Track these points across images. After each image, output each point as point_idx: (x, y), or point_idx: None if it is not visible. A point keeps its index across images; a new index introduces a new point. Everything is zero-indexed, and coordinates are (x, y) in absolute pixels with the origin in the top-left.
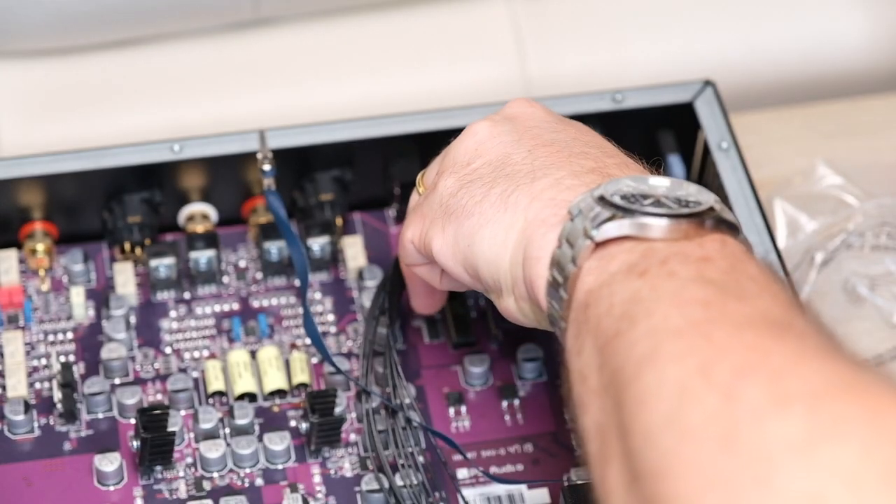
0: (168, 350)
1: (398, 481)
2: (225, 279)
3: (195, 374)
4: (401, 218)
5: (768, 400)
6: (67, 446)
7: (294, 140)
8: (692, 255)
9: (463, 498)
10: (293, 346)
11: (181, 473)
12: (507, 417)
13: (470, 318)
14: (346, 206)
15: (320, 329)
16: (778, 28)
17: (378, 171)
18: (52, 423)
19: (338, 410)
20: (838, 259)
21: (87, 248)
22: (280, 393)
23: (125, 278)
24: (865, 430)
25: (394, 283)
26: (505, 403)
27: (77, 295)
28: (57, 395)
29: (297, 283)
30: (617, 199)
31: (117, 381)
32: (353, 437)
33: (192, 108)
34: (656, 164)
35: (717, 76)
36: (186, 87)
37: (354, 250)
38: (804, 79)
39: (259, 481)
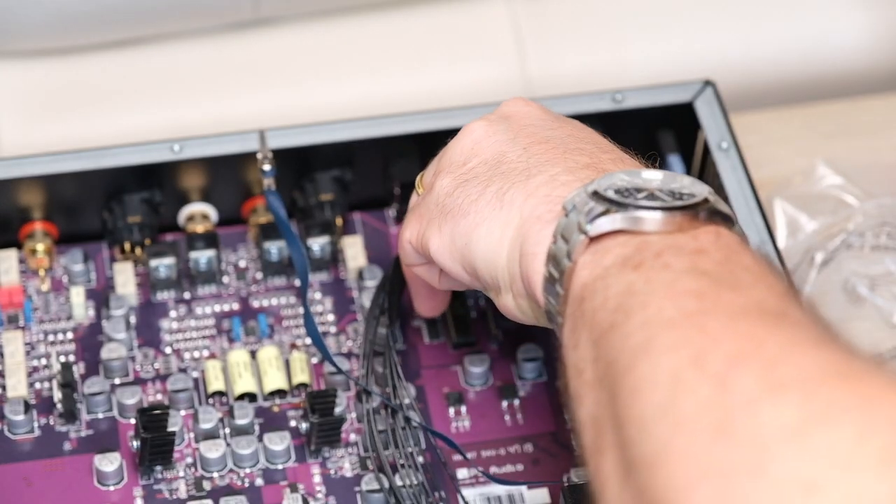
0: (168, 350)
1: (398, 481)
2: (225, 279)
3: (195, 374)
4: (401, 218)
5: (762, 388)
6: (67, 446)
7: (294, 140)
8: (686, 248)
9: (463, 498)
10: (293, 346)
11: (181, 473)
12: (507, 417)
13: (470, 318)
14: (346, 206)
15: (320, 329)
16: (778, 28)
17: (378, 171)
18: (52, 423)
19: (338, 410)
20: (838, 259)
21: (87, 248)
22: (280, 393)
23: (125, 278)
24: (860, 416)
25: (393, 283)
26: (505, 403)
27: (77, 295)
28: (57, 395)
29: (297, 283)
30: (611, 194)
31: (117, 381)
32: (353, 437)
33: (192, 108)
34: (652, 159)
35: (717, 76)
36: (186, 87)
37: (354, 250)
38: (804, 79)
39: (259, 481)
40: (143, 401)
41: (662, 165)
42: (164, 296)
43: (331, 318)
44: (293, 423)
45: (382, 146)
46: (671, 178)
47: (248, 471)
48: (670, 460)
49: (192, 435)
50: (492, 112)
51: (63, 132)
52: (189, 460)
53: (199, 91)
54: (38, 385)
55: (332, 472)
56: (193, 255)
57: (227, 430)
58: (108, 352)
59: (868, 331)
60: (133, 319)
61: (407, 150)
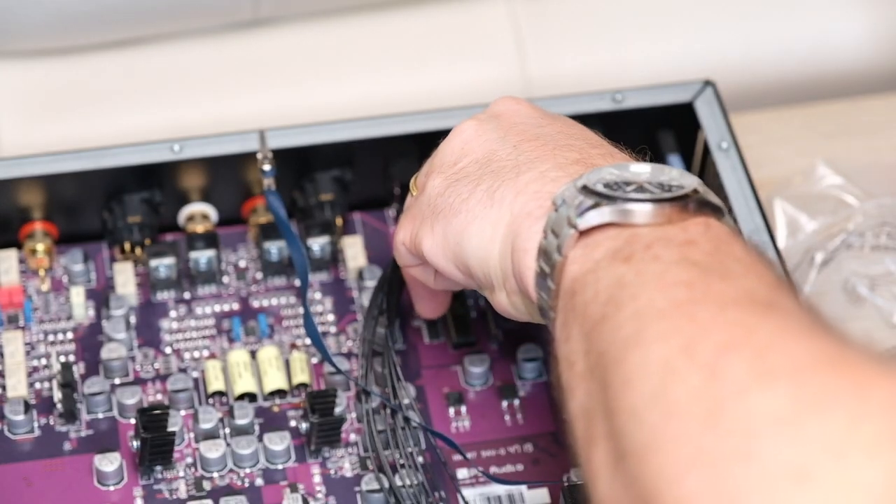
0: (168, 350)
1: (398, 481)
2: (225, 279)
3: (195, 374)
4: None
5: (752, 375)
6: (67, 446)
7: (294, 140)
8: (676, 239)
9: (463, 498)
10: (293, 346)
11: (181, 473)
12: (507, 417)
13: (470, 318)
14: (346, 206)
15: (320, 329)
16: (778, 28)
17: (378, 171)
18: (52, 423)
19: (338, 410)
20: (838, 259)
21: (87, 248)
22: (280, 393)
23: (125, 278)
24: (851, 403)
25: (392, 284)
26: (505, 403)
27: (77, 295)
28: (57, 395)
29: (297, 283)
30: (600, 187)
31: (117, 381)
32: (353, 437)
33: (192, 108)
34: (643, 153)
35: (717, 76)
36: (186, 87)
37: (354, 250)
38: (804, 79)
39: (259, 481)
40: (143, 401)
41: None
42: (164, 296)
43: (331, 318)
44: (293, 423)
45: (382, 146)
46: (660, 171)
47: (248, 471)
48: (661, 449)
49: (192, 435)
50: (482, 112)
51: (63, 132)
52: (189, 460)
53: (199, 91)
54: (38, 385)
55: (332, 472)
56: (193, 255)
57: (227, 430)
58: (108, 352)
59: (868, 331)
60: (133, 319)
61: (407, 150)
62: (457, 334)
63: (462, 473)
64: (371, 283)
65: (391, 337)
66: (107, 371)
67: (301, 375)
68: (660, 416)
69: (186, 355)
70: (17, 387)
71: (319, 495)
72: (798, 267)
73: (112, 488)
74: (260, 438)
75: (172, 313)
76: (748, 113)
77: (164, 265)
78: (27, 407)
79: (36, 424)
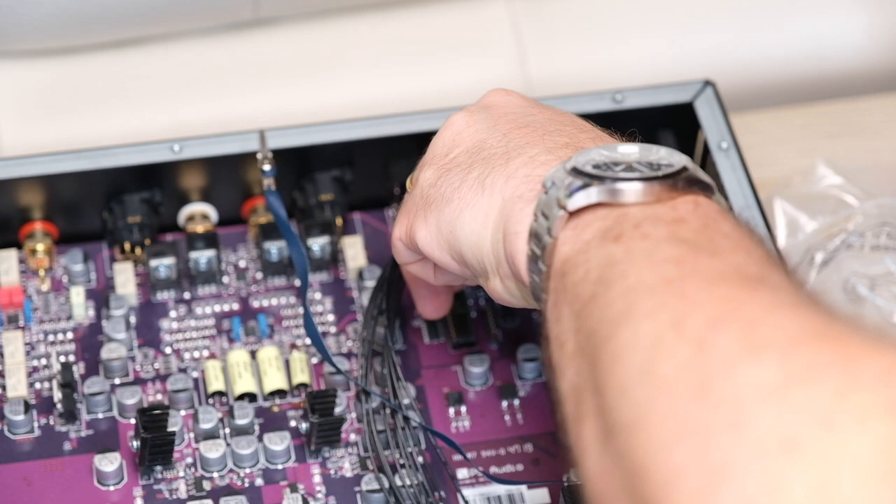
0: (168, 350)
1: (398, 481)
2: (225, 279)
3: (195, 374)
4: None
5: (741, 348)
6: (67, 446)
7: (294, 140)
8: (665, 218)
9: (463, 498)
10: (293, 346)
11: (181, 473)
12: (507, 417)
13: (470, 318)
14: (346, 206)
15: (320, 329)
16: (778, 28)
17: (378, 171)
18: (52, 423)
19: (338, 410)
20: (838, 259)
21: (87, 248)
22: (280, 393)
23: (125, 278)
24: (839, 374)
25: (391, 284)
26: (505, 403)
27: (77, 295)
28: (57, 395)
29: (297, 283)
30: (589, 168)
31: (117, 381)
32: (353, 437)
33: (192, 108)
34: (633, 136)
35: (717, 76)
36: (186, 87)
37: (354, 250)
38: (804, 79)
39: (259, 481)
40: (143, 401)
41: None
42: (164, 296)
43: (331, 318)
44: (293, 423)
45: (382, 146)
46: (648, 150)
47: (248, 471)
48: (650, 422)
49: (192, 435)
50: (473, 104)
51: (63, 132)
52: (189, 460)
53: (199, 91)
54: (38, 385)
55: (332, 472)
56: (193, 255)
57: (227, 430)
58: (108, 352)
59: None
60: (133, 319)
61: (407, 150)
62: (457, 334)
63: (462, 473)
64: (371, 283)
65: (391, 337)
66: (107, 371)
67: (301, 375)
68: (649, 390)
69: (186, 355)
70: (17, 387)
71: (319, 495)
72: (798, 267)
73: (112, 488)
74: (260, 438)
75: (172, 313)
76: (748, 113)
77: (164, 265)
78: (27, 407)
79: (36, 424)
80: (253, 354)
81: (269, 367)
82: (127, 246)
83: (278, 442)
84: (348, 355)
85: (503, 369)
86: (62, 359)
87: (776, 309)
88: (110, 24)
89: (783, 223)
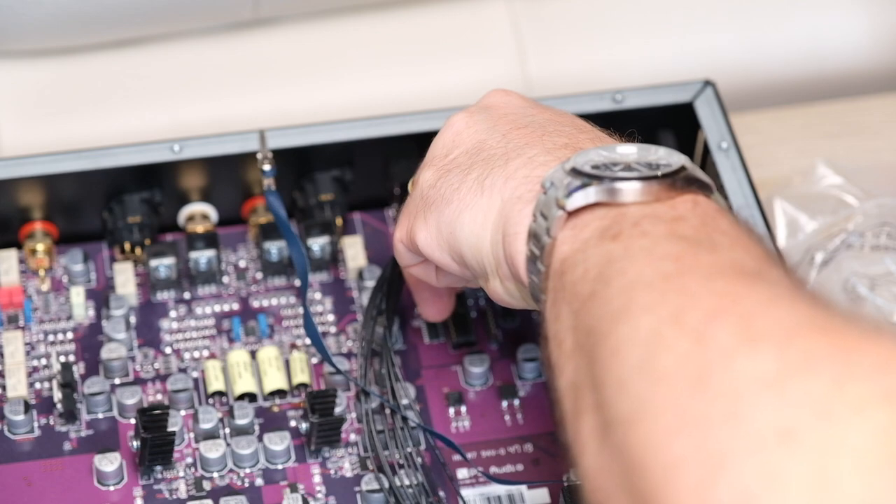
0: (168, 350)
1: (398, 481)
2: (225, 279)
3: (195, 374)
4: None
5: (739, 340)
6: (67, 446)
7: (294, 140)
8: (664, 216)
9: (462, 498)
10: (293, 346)
11: (181, 473)
12: (507, 417)
13: (470, 318)
14: (346, 206)
15: (320, 329)
16: (778, 28)
17: (378, 171)
18: (52, 423)
19: (338, 410)
20: (838, 259)
21: (87, 248)
22: (280, 393)
23: (125, 278)
24: (836, 365)
25: (391, 284)
26: (505, 403)
27: (77, 295)
28: (57, 395)
29: (297, 283)
30: (587, 168)
31: (117, 381)
32: (353, 437)
33: (192, 108)
34: (632, 136)
35: (717, 76)
36: (186, 87)
37: (354, 250)
38: (804, 79)
39: (259, 481)
40: (143, 401)
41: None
42: (164, 296)
43: (331, 318)
44: (293, 423)
45: (382, 146)
46: (647, 151)
47: (248, 471)
48: (648, 415)
49: (192, 435)
50: (473, 104)
51: (63, 132)
52: (189, 460)
53: (199, 91)
54: (38, 385)
55: (332, 472)
56: (193, 255)
57: (227, 430)
58: (108, 352)
59: None
60: (133, 319)
61: (407, 150)
62: (457, 334)
63: (462, 473)
64: (371, 283)
65: (390, 337)
66: (107, 371)
67: (301, 375)
68: (647, 383)
69: (186, 355)
70: (17, 387)
71: (319, 495)
72: (798, 267)
73: (112, 488)
74: (260, 438)
75: (172, 313)
76: (748, 113)
77: (164, 265)
78: (27, 407)
79: (36, 424)
80: (253, 354)
81: (269, 367)
82: (127, 246)
83: (278, 442)
84: (348, 355)
85: (503, 369)
86: (62, 359)
87: (774, 302)
88: (110, 24)
89: (783, 223)
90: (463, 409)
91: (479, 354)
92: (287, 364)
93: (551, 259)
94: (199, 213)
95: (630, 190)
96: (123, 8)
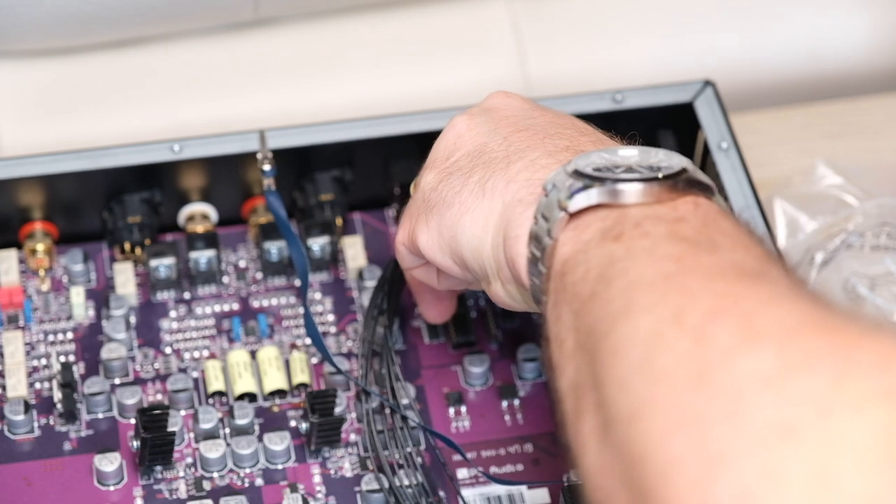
0: (168, 350)
1: (398, 481)
2: (225, 279)
3: (195, 374)
4: (399, 219)
5: (739, 338)
6: (67, 446)
7: (294, 140)
8: (665, 217)
9: (462, 498)
10: (293, 346)
11: (181, 473)
12: (507, 417)
13: (470, 318)
14: (346, 206)
15: (320, 329)
16: (778, 28)
17: (378, 171)
18: (52, 423)
19: (338, 410)
20: (838, 259)
21: (87, 248)
22: (280, 393)
23: (125, 278)
24: (836, 362)
25: (391, 284)
26: (505, 403)
27: (77, 295)
28: (57, 395)
29: (297, 283)
30: (589, 171)
31: (117, 381)
32: (353, 437)
33: (192, 108)
34: (633, 139)
35: (717, 76)
36: (186, 87)
37: (354, 250)
38: (804, 79)
39: (259, 481)
40: (143, 401)
41: None
42: (164, 296)
43: (331, 318)
44: (293, 423)
45: (382, 146)
46: (648, 153)
47: (248, 471)
48: (648, 413)
49: (192, 435)
50: (474, 106)
51: (63, 132)
52: (189, 460)
53: (199, 91)
54: (38, 385)
55: (332, 472)
56: (193, 255)
57: (227, 430)
58: (108, 352)
59: None
60: (133, 319)
61: (407, 150)
62: (457, 334)
63: (462, 473)
64: (371, 283)
65: (390, 337)
66: (107, 371)
67: (301, 375)
68: (647, 381)
69: (186, 355)
70: (17, 387)
71: (319, 495)
72: (798, 267)
73: (112, 488)
74: (260, 438)
75: (172, 313)
76: (748, 113)
77: (164, 265)
78: (27, 407)
79: (36, 424)
80: (253, 354)
81: (269, 367)
82: (127, 246)
83: (278, 442)
84: (348, 355)
85: (503, 369)
86: (62, 359)
87: (774, 302)
88: (110, 24)
89: (783, 223)
90: (463, 409)
91: (479, 354)
92: (287, 364)
93: (552, 261)
94: (199, 213)
95: (631, 191)
96: (123, 8)
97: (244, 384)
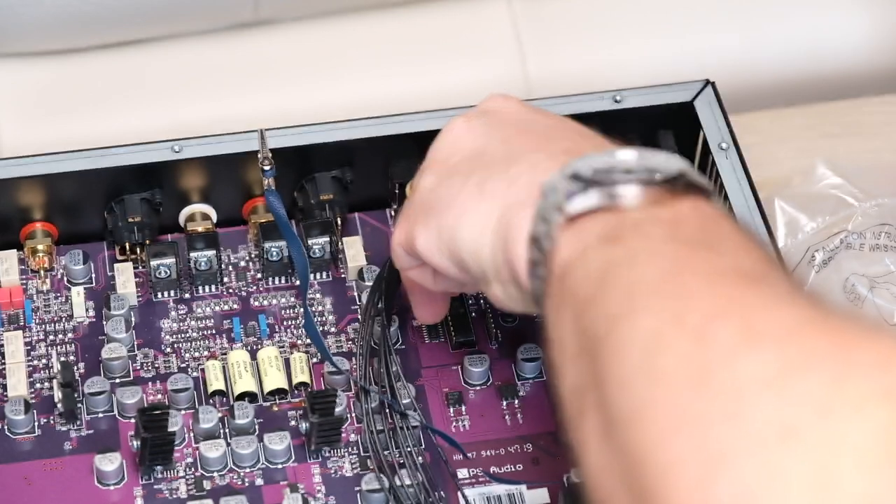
0: (168, 350)
1: (398, 481)
2: (225, 279)
3: (195, 374)
4: None
5: (740, 339)
6: (67, 446)
7: (294, 140)
8: (664, 219)
9: (464, 497)
10: (293, 346)
11: (181, 473)
12: (507, 417)
13: (470, 318)
14: (346, 206)
15: (320, 329)
16: (778, 28)
17: (378, 171)
18: (52, 422)
19: (338, 410)
20: (838, 259)
21: (87, 248)
22: (280, 393)
23: (125, 278)
24: (836, 363)
25: (388, 283)
26: (505, 403)
27: (77, 295)
28: (57, 394)
29: (297, 283)
30: (588, 173)
31: (117, 381)
32: (353, 437)
33: (192, 108)
34: (632, 141)
35: (717, 76)
36: (186, 87)
37: (354, 250)
38: (804, 79)
39: (259, 481)
40: (143, 401)
41: None
42: (164, 296)
43: (331, 318)
44: (293, 423)
45: (382, 146)
46: (647, 155)
47: (248, 471)
48: (648, 414)
49: (192, 435)
50: (472, 109)
51: (63, 132)
52: (189, 460)
53: (199, 91)
54: (38, 385)
55: (332, 471)
56: (193, 255)
57: (227, 430)
58: (108, 352)
59: None
60: (133, 319)
61: (407, 150)
62: (457, 334)
63: (462, 473)
64: (371, 283)
65: (388, 336)
66: (107, 371)
67: (301, 375)
68: (648, 382)
69: (186, 355)
70: (17, 387)
71: (319, 495)
72: (798, 267)
73: (112, 488)
74: (260, 438)
75: (172, 313)
76: (748, 113)
77: (164, 265)
78: (27, 407)
79: (36, 424)
80: (253, 354)
81: (269, 367)
82: (127, 246)
83: (278, 442)
84: (348, 355)
85: (503, 369)
86: (62, 359)
87: (774, 303)
88: (110, 25)
89: (783, 223)
90: (463, 408)
91: (479, 354)
92: (287, 364)
93: (552, 263)
94: (199, 213)
95: (631, 194)
96: (123, 8)
97: (244, 384)
